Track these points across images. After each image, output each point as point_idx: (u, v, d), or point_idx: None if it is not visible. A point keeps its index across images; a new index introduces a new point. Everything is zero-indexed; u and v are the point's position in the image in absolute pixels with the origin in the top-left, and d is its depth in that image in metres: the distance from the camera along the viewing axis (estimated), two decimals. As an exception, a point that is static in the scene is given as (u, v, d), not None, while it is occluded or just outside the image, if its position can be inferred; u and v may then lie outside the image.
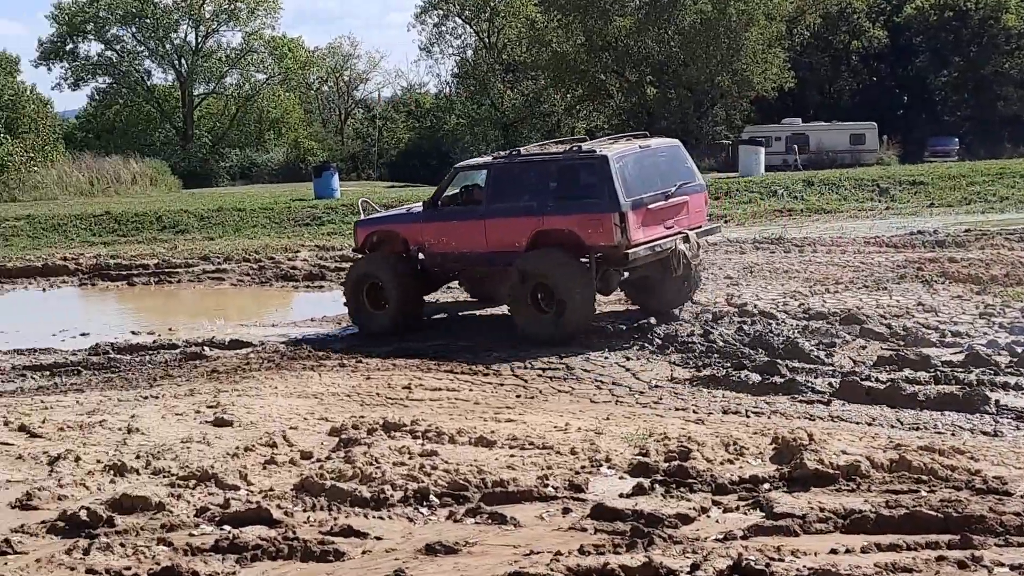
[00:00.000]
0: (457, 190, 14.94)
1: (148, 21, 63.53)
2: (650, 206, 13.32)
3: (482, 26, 69.59)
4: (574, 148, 13.91)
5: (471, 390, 11.02)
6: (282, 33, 68.37)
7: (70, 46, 66.42)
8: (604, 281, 13.62)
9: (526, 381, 11.37)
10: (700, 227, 14.23)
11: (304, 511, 7.34)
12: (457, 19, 70.96)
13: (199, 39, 65.51)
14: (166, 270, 22.58)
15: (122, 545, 6.71)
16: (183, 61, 65.35)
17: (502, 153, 15.08)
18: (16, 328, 16.35)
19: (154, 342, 14.66)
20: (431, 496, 7.50)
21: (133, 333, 15.63)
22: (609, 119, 58.69)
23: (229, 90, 68.16)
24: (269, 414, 10.07)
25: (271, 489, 7.81)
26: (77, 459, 8.65)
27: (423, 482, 7.74)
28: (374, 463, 8.18)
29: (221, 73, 66.68)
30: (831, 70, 62.27)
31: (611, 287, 13.95)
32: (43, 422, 9.98)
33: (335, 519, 7.14)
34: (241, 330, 15.47)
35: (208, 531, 7.00)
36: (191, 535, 6.94)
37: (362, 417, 9.68)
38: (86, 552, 6.61)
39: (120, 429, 9.63)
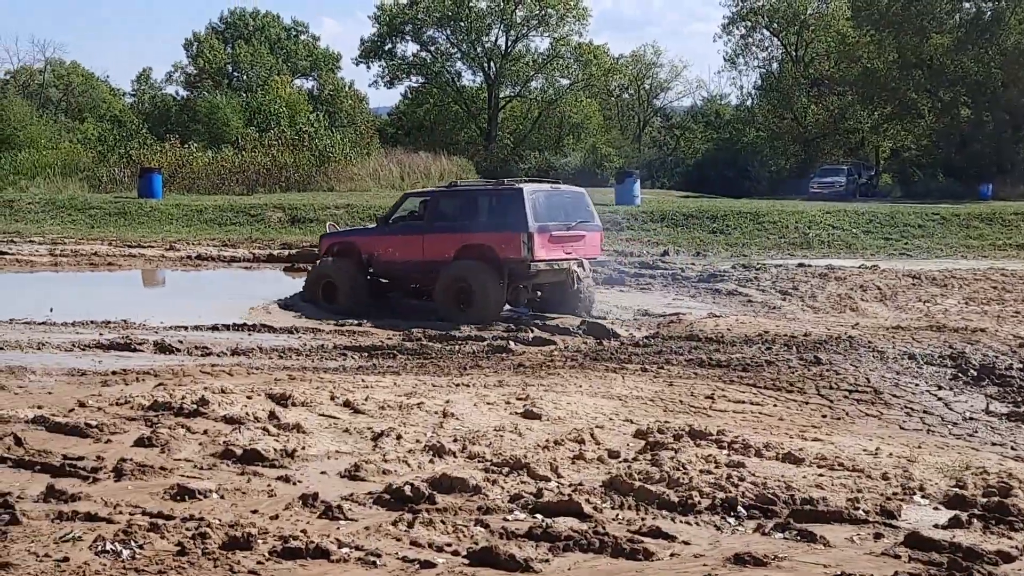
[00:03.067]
0: (405, 213, 18.93)
1: (463, 24, 65.78)
2: (553, 232, 17.30)
3: (790, 39, 68.40)
4: (499, 182, 18.66)
5: (775, 406, 10.92)
6: (588, 40, 69.42)
7: (388, 46, 69.63)
8: (514, 295, 17.81)
9: (832, 402, 11.17)
10: (594, 257, 18.53)
11: (612, 508, 7.47)
12: (764, 31, 70.03)
13: (509, 43, 67.29)
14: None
15: (443, 522, 7.03)
16: (492, 64, 67.29)
17: (442, 185, 19.44)
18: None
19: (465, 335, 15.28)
20: (739, 507, 7.50)
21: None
22: (917, 139, 56.53)
23: (533, 93, 69.68)
24: (575, 411, 10.32)
25: (580, 484, 8.00)
26: (399, 437, 9.13)
27: (731, 492, 7.74)
28: (681, 468, 8.25)
29: (527, 77, 68.26)
30: None
31: (520, 300, 18.04)
32: (365, 400, 10.57)
33: (643, 519, 7.24)
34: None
35: (521, 518, 7.24)
36: (506, 519, 7.18)
37: (667, 423, 9.78)
38: (410, 525, 6.96)
39: (436, 413, 10.09)
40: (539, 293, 18.32)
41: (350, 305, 18.14)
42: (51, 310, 17.13)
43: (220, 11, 78.26)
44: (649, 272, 22.70)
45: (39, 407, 10.08)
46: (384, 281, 19.07)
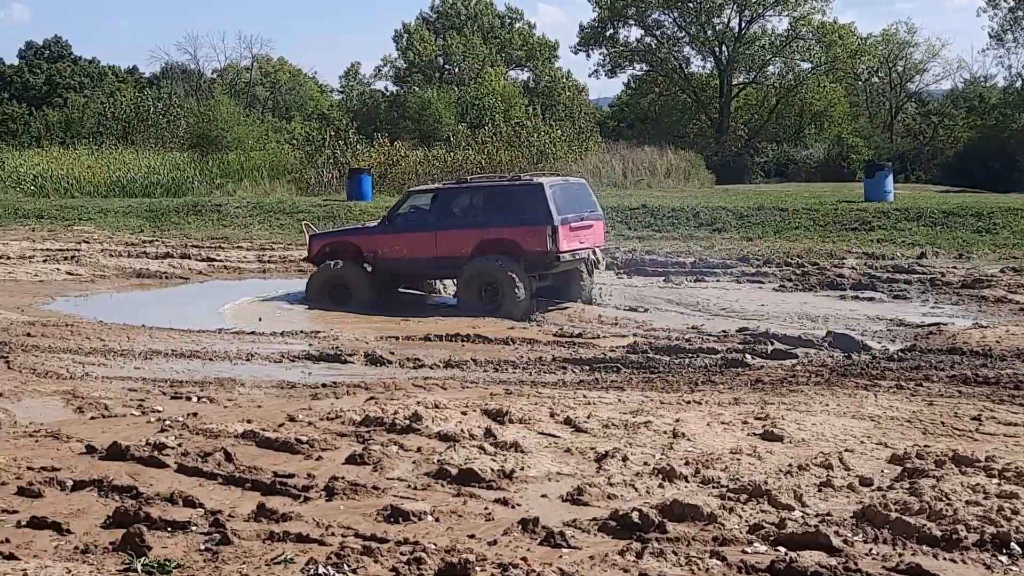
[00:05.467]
0: (408, 209, 20.26)
1: (691, 5, 65.45)
2: (572, 224, 18.94)
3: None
4: (514, 177, 20.46)
5: (1054, 429, 10.42)
6: (832, 19, 67.93)
7: (610, 31, 69.84)
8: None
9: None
10: (601, 246, 20.27)
11: (865, 542, 7.27)
12: (1040, 1, 67.06)
13: (742, 24, 66.52)
14: (703, 269, 23.22)
15: (675, 553, 6.98)
16: (724, 48, 66.66)
17: (448, 182, 21.30)
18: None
19: (694, 344, 15.17)
20: (1011, 543, 7.18)
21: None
22: None
23: (770, 79, 68.67)
24: (821, 432, 10.10)
25: (828, 514, 7.82)
26: (625, 459, 9.12)
27: (1002, 526, 7.42)
28: (944, 499, 7.96)
29: (763, 61, 67.34)
30: None
31: (532, 290, 18.95)
32: (588, 417, 10.61)
33: (900, 555, 7.02)
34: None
35: (762, 550, 7.12)
36: (744, 552, 7.09)
37: (926, 447, 9.46)
38: (639, 555, 6.94)
39: (665, 432, 10.04)
40: (547, 283, 19.60)
41: (360, 305, 19.35)
42: (259, 319, 17.89)
43: (432, 1, 79.58)
44: (904, 277, 22.04)
45: (248, 421, 10.53)
46: (387, 279, 20.29)
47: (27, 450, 9.52)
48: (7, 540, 7.07)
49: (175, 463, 8.97)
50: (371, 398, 11.78)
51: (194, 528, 7.34)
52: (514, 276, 18.40)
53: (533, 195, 18.87)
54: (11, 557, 6.77)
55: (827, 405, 11.32)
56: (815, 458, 9.11)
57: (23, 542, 7.07)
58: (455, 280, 20.05)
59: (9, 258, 25.69)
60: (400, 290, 21.06)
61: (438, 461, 9.06)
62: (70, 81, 76.76)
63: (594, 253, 19.61)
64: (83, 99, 66.16)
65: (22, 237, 29.98)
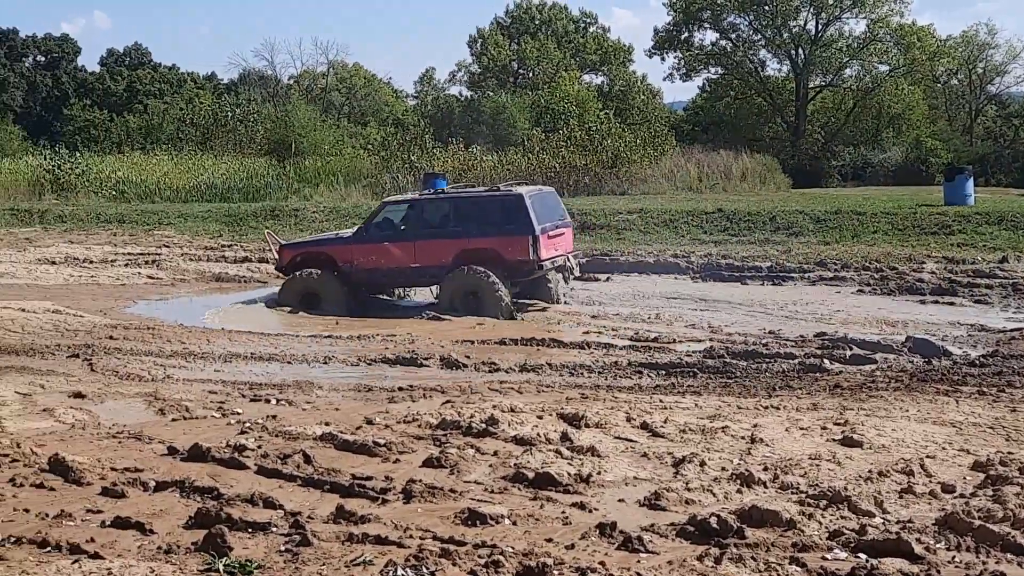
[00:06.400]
0: (384, 220, 20.44)
1: (767, 8, 64.89)
2: (549, 233, 19.48)
3: None
4: (492, 188, 20.86)
5: None
6: (911, 20, 67.03)
7: (684, 35, 69.51)
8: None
9: None
10: (571, 252, 21.06)
11: (948, 549, 7.18)
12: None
13: (819, 27, 65.87)
14: (779, 273, 23.05)
15: (753, 559, 6.94)
16: (800, 51, 66.05)
17: (425, 192, 21.27)
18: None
19: (772, 350, 15.07)
20: (1100, 553, 7.06)
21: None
22: None
23: (847, 82, 67.89)
24: (901, 439, 9.98)
25: (909, 521, 7.73)
26: (702, 464, 9.09)
27: (1090, 536, 7.31)
28: (1029, 507, 7.84)
29: (840, 64, 66.57)
30: None
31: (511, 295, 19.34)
32: (664, 422, 10.59)
33: (984, 563, 6.92)
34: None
35: (842, 557, 7.06)
36: (824, 558, 7.02)
37: (1010, 454, 9.32)
38: (717, 561, 6.90)
39: (743, 438, 9.99)
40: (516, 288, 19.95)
41: (335, 313, 19.40)
42: (336, 323, 18.04)
43: (506, 5, 79.72)
44: (985, 281, 21.71)
45: (327, 424, 10.63)
46: (362, 288, 20.54)
47: (111, 451, 9.68)
48: (92, 539, 7.19)
49: (255, 465, 9.08)
50: (447, 401, 11.83)
51: (274, 529, 7.42)
52: (497, 285, 18.79)
53: (513, 205, 19.28)
54: (96, 556, 6.89)
55: (907, 411, 11.19)
56: (896, 464, 9.02)
57: (107, 542, 7.19)
58: (431, 288, 20.62)
59: (92, 262, 26.15)
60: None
61: (515, 465, 9.09)
62: (150, 88, 78.01)
63: (568, 260, 20.41)
64: (163, 105, 67.21)
65: (104, 241, 30.48)
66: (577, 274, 20.95)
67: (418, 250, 19.69)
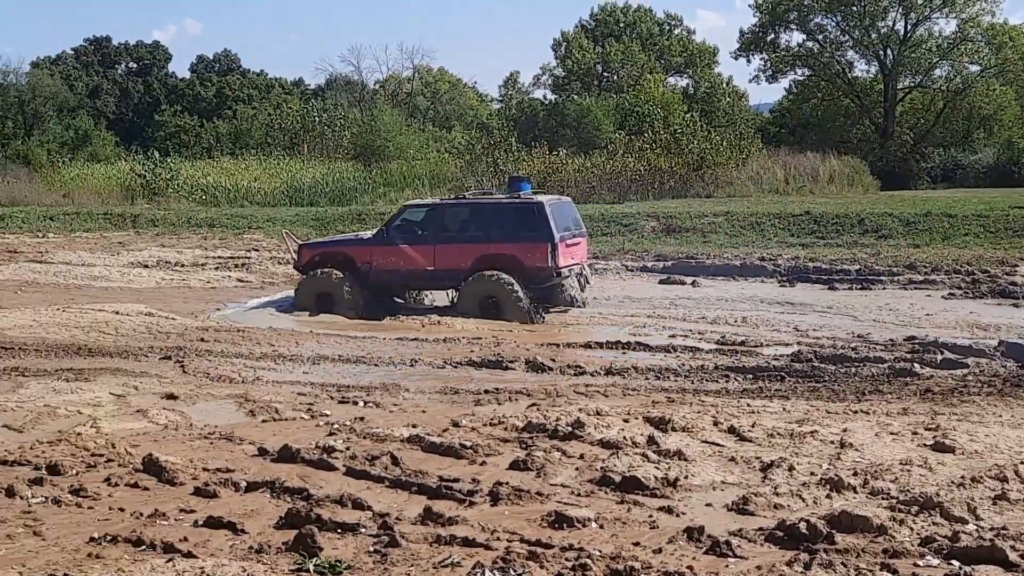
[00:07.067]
0: (404, 223, 20.49)
1: (855, 9, 64.13)
2: (568, 241, 19.71)
3: None
4: (513, 196, 20.32)
5: None
6: (1002, 20, 65.85)
7: (771, 36, 68.93)
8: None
9: None
10: (587, 261, 21.29)
11: (1045, 557, 7.06)
12: None
13: (908, 27, 64.98)
14: (868, 276, 22.78)
15: (843, 564, 6.87)
16: (888, 51, 65.19)
17: (447, 197, 22.19)
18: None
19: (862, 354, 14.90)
20: None
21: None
22: None
23: (936, 83, 66.89)
24: (995, 444, 9.82)
25: (1004, 528, 7.60)
26: (791, 468, 9.01)
27: None
28: None
29: (929, 64, 65.61)
30: None
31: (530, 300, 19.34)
32: (752, 426, 10.51)
33: (1081, 572, 6.80)
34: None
35: (934, 564, 6.97)
36: (916, 565, 6.94)
37: (1108, 460, 9.13)
38: (807, 567, 6.84)
39: (832, 442, 9.88)
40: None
41: (349, 314, 19.47)
42: (422, 326, 18.15)
43: (591, 8, 79.64)
44: (1080, 284, 21.30)
45: (413, 426, 10.70)
46: (379, 290, 20.43)
47: (202, 451, 9.83)
48: (185, 539, 7.31)
49: (343, 466, 9.16)
50: (533, 404, 11.85)
51: (363, 530, 7.48)
52: (516, 290, 18.93)
53: (534, 213, 19.44)
54: (189, 555, 7.00)
55: (1000, 416, 11.01)
56: (989, 470, 8.87)
57: (200, 541, 7.30)
58: (447, 292, 20.71)
59: (183, 265, 26.56)
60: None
61: (601, 468, 9.08)
62: (239, 93, 79.14)
63: (584, 269, 20.77)
64: (251, 111, 68.15)
65: (195, 245, 30.97)
66: (591, 282, 21.11)
67: (437, 254, 19.87)
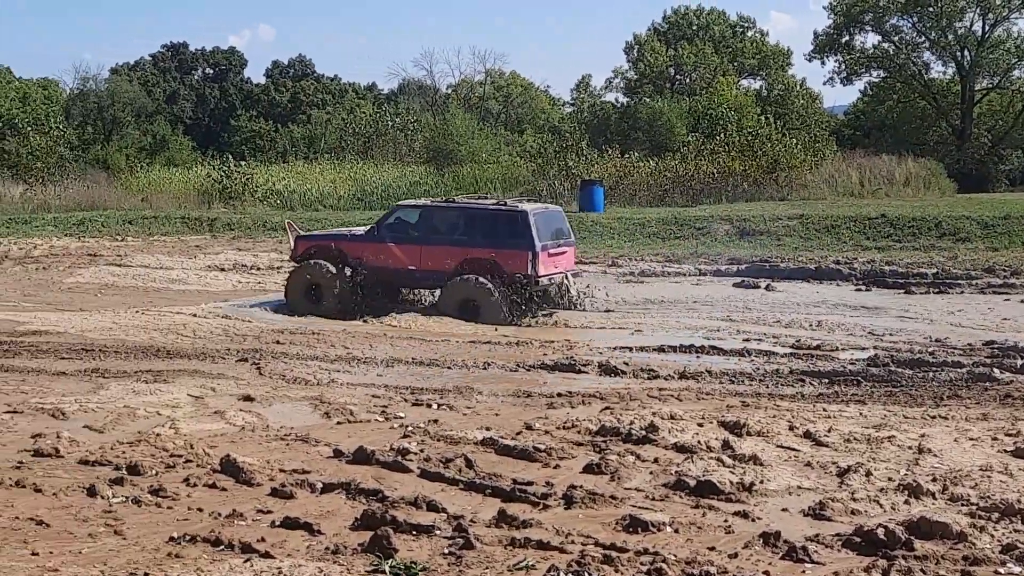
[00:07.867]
0: (393, 221, 20.94)
1: (931, 10, 63.33)
2: (550, 250, 19.95)
3: None
4: (500, 202, 21.13)
5: None
6: (1084, 18, 64.75)
7: (845, 38, 68.25)
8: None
9: None
10: (573, 271, 21.62)
11: None
12: None
13: (986, 28, 64.05)
14: (945, 280, 22.48)
15: (923, 571, 6.80)
16: (966, 53, 64.30)
17: (437, 200, 22.40)
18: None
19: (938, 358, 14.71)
20: None
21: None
22: None
23: (1015, 84, 65.87)
24: (1078, 451, 9.65)
25: (1088, 536, 7.47)
26: (868, 473, 8.92)
27: None
28: None
29: (1008, 65, 64.64)
30: None
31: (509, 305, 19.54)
32: (828, 431, 10.43)
33: None
34: None
35: (1016, 571, 6.87)
36: (997, 572, 6.85)
37: None
38: (885, 573, 6.78)
39: (910, 448, 9.78)
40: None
41: (336, 308, 19.92)
42: (495, 329, 18.18)
43: (663, 11, 79.33)
44: None
45: (487, 428, 10.73)
46: (367, 285, 20.59)
47: (279, 453, 9.92)
48: (263, 539, 7.38)
49: (418, 468, 9.21)
50: (606, 408, 11.83)
51: (438, 532, 7.51)
52: (493, 294, 19.17)
53: (517, 221, 19.76)
54: (267, 555, 7.07)
55: (1096, 423, 10.81)
56: (1072, 478, 8.72)
57: (277, 541, 7.37)
58: (432, 292, 21.00)
59: (258, 268, 26.82)
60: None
61: (675, 472, 9.06)
62: (313, 98, 79.71)
63: (566, 278, 20.92)
64: (325, 115, 68.58)
65: (270, 248, 31.25)
66: (573, 293, 21.08)
67: (424, 254, 20.27)
